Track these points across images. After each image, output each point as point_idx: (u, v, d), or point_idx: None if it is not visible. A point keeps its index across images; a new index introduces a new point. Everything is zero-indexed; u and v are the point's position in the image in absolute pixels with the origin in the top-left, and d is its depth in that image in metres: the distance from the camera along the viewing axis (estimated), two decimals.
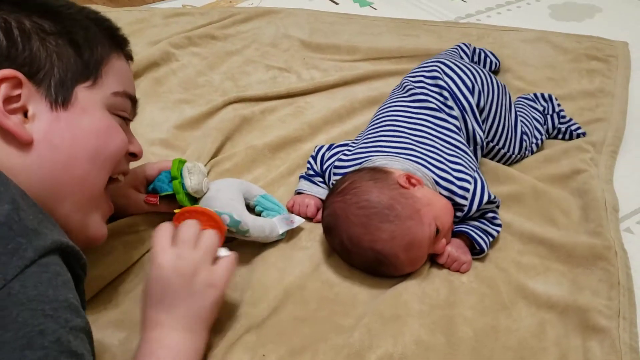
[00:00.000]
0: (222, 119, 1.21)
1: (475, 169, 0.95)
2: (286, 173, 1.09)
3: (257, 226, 0.89)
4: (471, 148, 1.01)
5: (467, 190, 0.90)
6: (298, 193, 1.03)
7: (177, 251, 0.73)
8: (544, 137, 1.14)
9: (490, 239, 0.92)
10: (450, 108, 1.01)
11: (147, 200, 0.92)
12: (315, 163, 1.04)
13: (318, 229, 0.96)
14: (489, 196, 0.91)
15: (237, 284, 0.87)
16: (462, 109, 1.01)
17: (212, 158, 1.11)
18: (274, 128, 1.20)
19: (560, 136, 1.17)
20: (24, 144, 0.62)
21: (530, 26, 1.56)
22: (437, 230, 0.86)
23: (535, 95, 1.23)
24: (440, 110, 1.01)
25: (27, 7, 0.66)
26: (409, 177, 0.88)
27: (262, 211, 0.96)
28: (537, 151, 1.13)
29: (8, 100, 0.62)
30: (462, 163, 0.94)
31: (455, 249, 0.90)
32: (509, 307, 0.84)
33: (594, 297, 0.84)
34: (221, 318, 0.82)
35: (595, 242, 0.91)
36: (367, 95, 1.28)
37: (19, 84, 0.62)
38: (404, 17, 1.62)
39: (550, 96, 1.22)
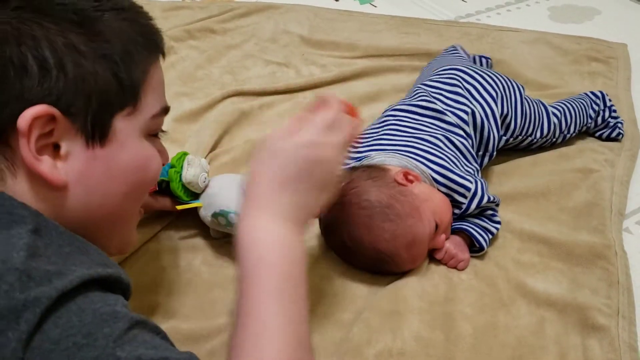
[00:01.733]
0: (221, 112, 1.20)
1: (474, 173, 0.94)
2: None
3: None
4: (480, 153, 1.01)
5: (467, 189, 0.89)
6: None
7: (338, 140, 0.65)
8: (576, 129, 1.14)
9: (490, 237, 0.91)
10: (465, 113, 0.99)
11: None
12: None
13: (315, 223, 0.96)
14: (488, 198, 0.90)
15: (234, 277, 0.86)
16: (485, 115, 1.00)
17: (210, 151, 1.10)
18: (272, 123, 1.20)
19: (606, 130, 1.16)
20: (57, 186, 0.55)
21: (530, 27, 1.56)
22: (436, 226, 0.86)
23: (586, 94, 1.21)
24: (448, 114, 0.99)
25: (53, 12, 0.53)
26: (406, 174, 0.88)
27: None
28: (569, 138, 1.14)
29: (39, 138, 0.53)
30: (460, 165, 0.94)
31: (453, 246, 0.90)
32: (508, 304, 0.84)
33: (593, 295, 0.84)
34: (219, 313, 0.81)
35: (596, 241, 0.91)
36: (365, 91, 1.28)
37: (52, 120, 0.53)
38: (403, 15, 1.62)
39: (602, 93, 1.20)
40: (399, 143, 0.96)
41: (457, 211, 0.91)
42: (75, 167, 0.56)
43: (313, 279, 0.87)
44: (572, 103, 1.15)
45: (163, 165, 0.69)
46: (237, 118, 1.19)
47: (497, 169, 1.08)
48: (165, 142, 1.11)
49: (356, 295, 0.85)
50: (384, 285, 0.86)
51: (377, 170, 0.89)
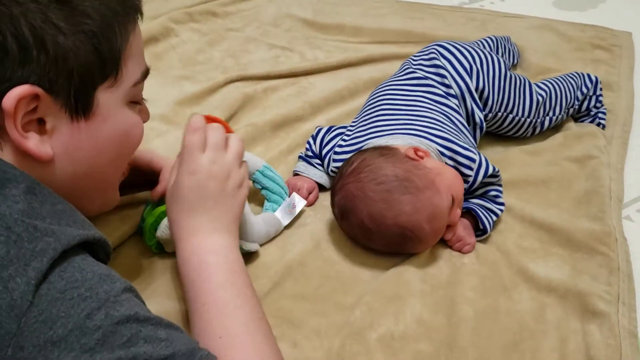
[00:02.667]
0: (225, 97, 1.20)
1: (473, 146, 0.95)
2: (286, 152, 1.08)
3: (263, 236, 0.89)
4: (470, 127, 1.02)
5: (473, 160, 0.89)
6: (295, 174, 1.02)
7: (210, 156, 0.72)
8: (562, 111, 1.13)
9: (494, 218, 0.91)
10: (448, 87, 1.01)
11: None
12: (315, 145, 1.03)
13: (320, 211, 0.96)
14: (493, 168, 0.91)
15: None
16: (460, 89, 1.01)
17: None
18: (275, 107, 1.19)
19: (585, 118, 1.17)
20: (44, 161, 0.57)
21: (534, 14, 1.56)
22: (452, 200, 0.86)
23: (581, 74, 1.21)
24: (437, 87, 1.01)
25: None
26: (416, 150, 0.88)
27: (261, 189, 0.95)
28: (557, 122, 1.14)
29: (24, 116, 0.54)
30: (461, 138, 0.94)
31: (462, 228, 0.90)
32: (510, 289, 0.84)
33: (593, 282, 0.85)
34: None
35: (596, 227, 0.92)
36: (371, 76, 1.27)
37: (36, 98, 0.54)
38: (408, 0, 1.61)
39: (597, 79, 1.19)
40: (398, 122, 0.96)
41: (465, 186, 0.91)
42: (61, 141, 0.57)
43: (315, 262, 0.88)
44: (560, 82, 1.15)
45: (144, 122, 0.70)
46: (241, 102, 1.19)
47: (497, 157, 1.08)
48: (168, 125, 1.13)
49: (358, 278, 0.86)
50: (386, 269, 0.87)
51: (386, 149, 0.89)
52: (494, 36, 1.32)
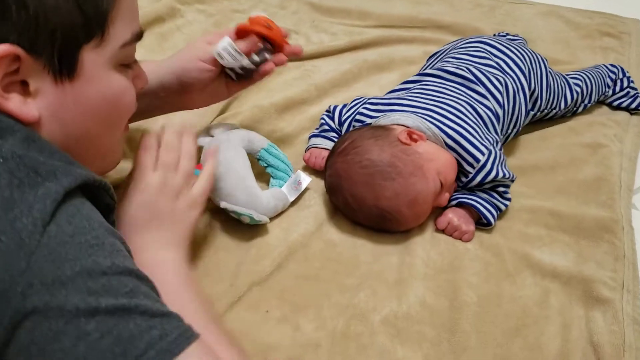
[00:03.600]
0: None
1: (492, 142, 0.92)
2: (292, 135, 1.08)
3: (271, 208, 0.89)
4: (508, 126, 0.99)
5: (477, 160, 0.89)
6: (308, 149, 1.02)
7: (162, 175, 0.73)
8: (592, 100, 1.14)
9: (498, 213, 0.91)
10: (496, 88, 0.98)
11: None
12: (333, 120, 1.03)
13: (322, 187, 0.96)
14: (504, 174, 0.89)
15: (241, 241, 0.87)
16: (515, 88, 0.99)
17: (218, 115, 1.09)
18: (280, 90, 1.19)
19: (625, 99, 1.16)
20: (29, 122, 0.55)
21: (541, 1, 1.55)
22: (441, 185, 0.87)
23: (605, 65, 1.22)
24: (478, 84, 0.98)
25: None
26: (410, 133, 0.88)
27: (266, 167, 0.95)
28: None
29: (5, 76, 0.52)
30: (480, 133, 0.92)
31: (457, 218, 0.90)
32: (514, 275, 0.84)
33: (598, 268, 0.85)
34: (224, 275, 0.82)
35: (603, 215, 0.91)
36: (376, 60, 1.27)
37: (17, 59, 0.52)
38: None
39: (620, 67, 1.21)
40: (419, 105, 0.95)
41: (463, 179, 0.91)
42: (46, 103, 0.56)
43: (317, 244, 0.88)
44: (590, 72, 1.15)
45: (141, 88, 0.69)
46: None
47: (507, 142, 1.07)
48: None
49: (360, 260, 0.86)
50: (389, 252, 0.87)
51: (381, 130, 0.89)
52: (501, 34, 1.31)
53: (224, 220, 0.90)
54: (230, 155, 0.89)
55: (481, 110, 0.95)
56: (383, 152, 0.85)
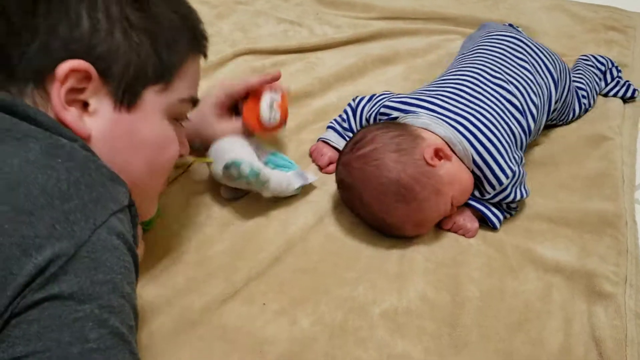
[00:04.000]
0: (233, 70, 1.19)
1: (518, 161, 0.89)
2: (295, 128, 1.07)
3: (275, 179, 0.87)
4: (528, 142, 0.96)
5: (500, 182, 0.86)
6: (322, 140, 1.01)
7: None
8: (595, 101, 1.14)
9: (504, 218, 0.90)
10: (536, 94, 0.95)
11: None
12: (354, 117, 1.00)
13: (326, 185, 0.95)
14: (521, 195, 0.88)
15: (239, 234, 0.87)
16: (544, 98, 0.97)
17: None
18: (283, 82, 1.18)
19: (618, 89, 1.16)
20: (83, 137, 0.58)
21: None
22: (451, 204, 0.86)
23: (593, 56, 1.22)
24: (514, 95, 0.93)
25: None
26: (437, 151, 0.84)
27: (274, 169, 0.94)
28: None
29: (71, 91, 0.57)
30: (509, 151, 0.88)
31: (462, 218, 0.89)
32: (516, 269, 0.84)
33: (601, 263, 0.84)
34: (221, 267, 0.81)
35: (607, 209, 0.91)
36: (380, 53, 1.26)
37: (87, 78, 0.57)
38: None
39: (607, 58, 1.21)
40: (452, 110, 0.89)
41: (477, 194, 0.89)
42: (100, 124, 0.59)
43: (318, 237, 0.87)
44: (589, 76, 1.14)
45: (182, 157, 0.72)
46: (249, 76, 1.17)
47: None
48: None
49: (361, 254, 0.85)
50: (389, 246, 0.86)
51: (407, 140, 0.84)
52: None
53: (220, 213, 0.90)
54: (235, 139, 0.89)
55: (514, 126, 0.91)
56: (403, 173, 0.81)
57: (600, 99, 1.16)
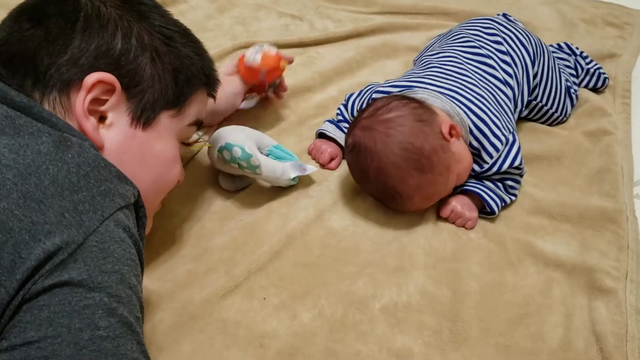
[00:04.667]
0: (233, 64, 1.17)
1: (512, 130, 0.92)
2: (296, 122, 1.07)
3: (269, 165, 0.87)
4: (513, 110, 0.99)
5: (496, 149, 0.88)
6: (320, 133, 1.01)
7: None
8: (577, 87, 1.15)
9: (503, 204, 0.90)
10: (507, 64, 0.99)
11: None
12: (346, 110, 1.01)
13: (327, 180, 0.95)
14: (519, 162, 0.89)
15: (239, 228, 0.86)
16: (520, 68, 0.99)
17: None
18: (285, 76, 1.18)
19: (588, 79, 1.17)
20: (97, 145, 0.62)
21: None
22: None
23: (557, 45, 1.23)
24: (494, 67, 0.98)
25: (151, 20, 0.66)
26: (452, 127, 0.86)
27: (275, 159, 0.94)
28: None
29: (94, 101, 0.61)
30: (501, 120, 0.91)
31: (460, 205, 0.89)
32: (516, 264, 0.84)
33: (602, 258, 0.84)
34: (222, 261, 0.81)
35: (607, 205, 0.91)
36: (380, 47, 1.26)
37: (111, 91, 0.62)
38: None
39: (566, 43, 1.23)
40: (443, 85, 0.93)
41: (477, 168, 0.90)
42: (114, 137, 0.63)
43: (317, 232, 0.87)
44: (566, 69, 1.15)
45: (179, 181, 0.76)
46: None
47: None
48: None
49: (360, 249, 0.85)
50: (388, 241, 0.86)
51: (427, 113, 0.86)
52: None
53: (221, 207, 0.90)
54: (237, 127, 0.91)
55: (499, 96, 0.95)
56: (427, 143, 0.83)
57: (590, 93, 1.16)
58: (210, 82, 0.75)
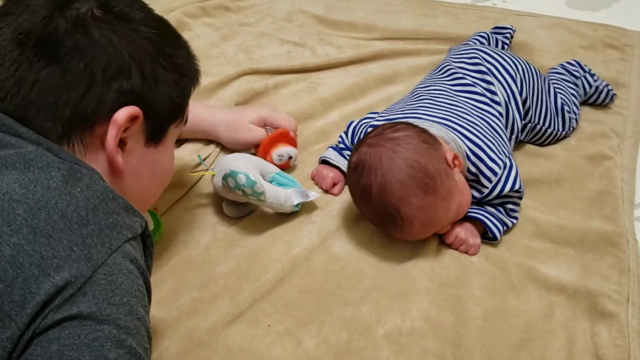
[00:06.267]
0: (236, 90, 1.19)
1: (508, 154, 0.93)
2: (299, 149, 1.08)
3: (273, 192, 0.88)
4: (508, 136, 1.00)
5: (495, 173, 0.89)
6: (323, 160, 1.02)
7: None
8: (579, 109, 1.16)
9: (505, 229, 0.91)
10: (494, 93, 1.00)
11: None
12: (347, 137, 1.03)
13: (330, 206, 0.96)
14: (519, 186, 0.90)
15: (243, 254, 0.87)
16: (507, 96, 1.01)
17: None
18: (286, 102, 1.19)
19: (596, 95, 1.19)
20: (116, 173, 0.64)
21: (546, 13, 1.55)
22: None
23: (562, 65, 1.24)
24: (482, 95, 1.00)
25: (164, 55, 0.65)
26: (455, 157, 0.87)
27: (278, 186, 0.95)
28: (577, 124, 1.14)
29: (119, 132, 0.62)
30: (497, 146, 0.92)
31: (464, 232, 0.90)
32: (519, 288, 0.84)
33: (603, 282, 0.84)
34: (226, 288, 0.82)
35: (608, 228, 0.91)
36: (381, 73, 1.27)
37: (135, 119, 0.63)
38: None
39: (576, 61, 1.24)
40: (437, 115, 0.94)
41: (477, 195, 0.91)
42: (132, 160, 0.65)
43: (321, 258, 0.88)
44: (562, 87, 1.16)
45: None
46: (251, 97, 1.19)
47: (513, 153, 1.07)
48: None
49: (364, 274, 0.86)
50: (391, 266, 0.87)
51: (431, 138, 0.87)
52: (486, 32, 1.32)
53: (225, 234, 0.91)
54: (241, 154, 0.93)
55: (492, 122, 0.96)
56: (431, 163, 0.83)
57: (598, 114, 1.18)
58: (198, 82, 0.74)
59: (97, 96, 0.59)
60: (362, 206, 0.89)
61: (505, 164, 0.90)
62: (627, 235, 0.91)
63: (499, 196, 0.90)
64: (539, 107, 1.06)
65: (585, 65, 1.23)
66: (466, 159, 0.90)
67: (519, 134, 1.03)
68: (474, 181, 0.91)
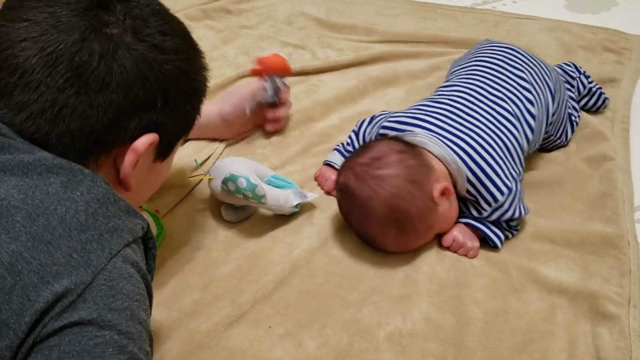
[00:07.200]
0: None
1: (515, 177, 0.90)
2: (299, 151, 1.08)
3: (273, 194, 0.89)
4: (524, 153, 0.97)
5: (495, 200, 0.87)
6: (327, 163, 1.02)
7: None
8: (578, 111, 1.15)
9: (505, 238, 0.91)
10: (531, 103, 0.97)
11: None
12: (357, 138, 1.02)
13: (330, 208, 0.96)
14: (520, 213, 0.89)
15: (244, 256, 0.87)
16: (542, 108, 0.99)
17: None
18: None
19: (588, 98, 1.18)
20: (124, 188, 0.64)
21: (546, 16, 1.55)
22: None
23: (559, 66, 1.23)
24: (517, 106, 0.96)
25: (186, 82, 0.64)
26: (443, 190, 0.86)
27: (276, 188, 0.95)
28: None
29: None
30: (505, 168, 0.89)
31: (462, 235, 0.90)
32: (520, 290, 0.84)
33: (604, 284, 0.84)
34: (228, 290, 0.82)
35: (609, 230, 0.91)
36: (381, 76, 1.27)
37: (152, 143, 0.62)
38: (420, 0, 1.61)
39: (572, 63, 1.24)
40: (446, 128, 0.91)
41: (475, 213, 0.90)
42: (139, 176, 0.64)
43: (321, 259, 0.88)
44: (567, 92, 1.15)
45: None
46: None
47: None
48: None
49: (364, 275, 0.86)
50: (392, 268, 0.87)
51: (421, 171, 0.86)
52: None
53: (226, 236, 0.91)
54: (237, 158, 0.93)
55: (510, 142, 0.92)
56: (413, 207, 0.84)
57: (590, 117, 1.17)
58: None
59: (122, 126, 0.59)
60: (346, 216, 0.91)
61: (510, 190, 0.88)
62: (628, 237, 0.91)
63: (498, 220, 0.90)
64: (559, 122, 1.06)
65: (580, 67, 1.23)
66: (465, 181, 0.88)
67: (534, 148, 1.02)
68: (473, 201, 0.90)
